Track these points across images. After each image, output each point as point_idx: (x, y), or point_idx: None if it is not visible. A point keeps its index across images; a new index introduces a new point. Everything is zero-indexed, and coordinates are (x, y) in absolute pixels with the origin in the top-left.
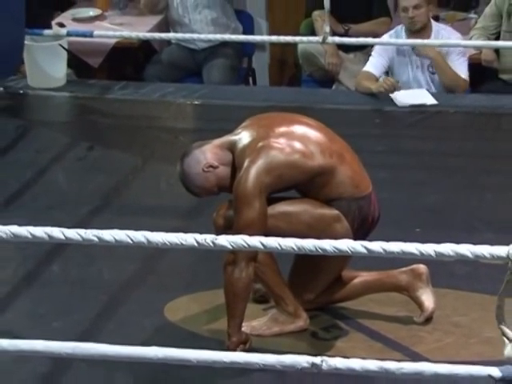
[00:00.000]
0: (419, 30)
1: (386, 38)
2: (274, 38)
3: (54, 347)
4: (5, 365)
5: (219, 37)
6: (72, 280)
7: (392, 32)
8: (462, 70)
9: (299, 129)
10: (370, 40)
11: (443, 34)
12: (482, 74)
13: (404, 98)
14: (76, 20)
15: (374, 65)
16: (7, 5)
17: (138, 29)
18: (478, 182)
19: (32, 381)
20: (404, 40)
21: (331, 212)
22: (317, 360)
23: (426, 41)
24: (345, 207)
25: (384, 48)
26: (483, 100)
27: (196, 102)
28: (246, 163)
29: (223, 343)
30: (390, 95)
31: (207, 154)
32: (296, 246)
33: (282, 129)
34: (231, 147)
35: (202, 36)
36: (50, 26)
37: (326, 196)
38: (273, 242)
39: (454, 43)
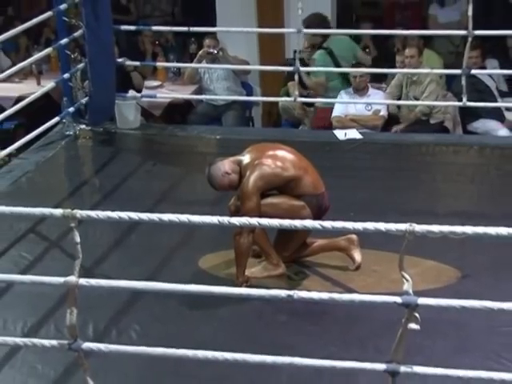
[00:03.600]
0: (362, 88)
1: (342, 93)
2: (265, 99)
3: (131, 284)
4: (101, 296)
5: (232, 98)
6: (142, 244)
7: (346, 90)
8: (383, 112)
9: (280, 152)
10: (322, 100)
11: (373, 91)
12: (389, 121)
13: (342, 134)
14: (146, 87)
15: (335, 110)
16: (107, 81)
17: (183, 93)
18: (389, 185)
19: (118, 305)
20: (342, 99)
21: (300, 203)
22: (291, 293)
23: (357, 100)
24: (308, 200)
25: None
26: (391, 136)
27: (218, 137)
28: (247, 173)
29: (234, 282)
30: (333, 131)
31: (225, 165)
32: (278, 223)
33: (270, 152)
34: (239, 163)
35: (222, 97)
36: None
37: (297, 193)
38: (264, 221)
39: (373, 101)
